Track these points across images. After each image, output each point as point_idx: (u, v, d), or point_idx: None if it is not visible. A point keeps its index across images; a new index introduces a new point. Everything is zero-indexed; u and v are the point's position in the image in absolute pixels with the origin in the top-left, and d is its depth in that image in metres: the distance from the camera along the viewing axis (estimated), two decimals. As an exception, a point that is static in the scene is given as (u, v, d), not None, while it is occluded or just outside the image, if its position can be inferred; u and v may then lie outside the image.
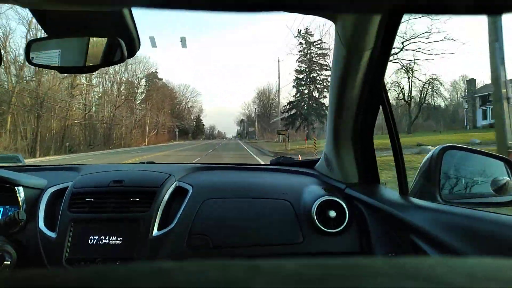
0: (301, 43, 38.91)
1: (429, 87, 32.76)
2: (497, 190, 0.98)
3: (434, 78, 32.24)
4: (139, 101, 48.29)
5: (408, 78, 31.55)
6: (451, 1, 0.24)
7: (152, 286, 0.20)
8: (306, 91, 39.45)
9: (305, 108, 38.90)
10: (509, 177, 0.98)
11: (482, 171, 1.06)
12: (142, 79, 48.28)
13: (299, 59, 39.66)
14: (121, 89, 42.69)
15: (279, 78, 58.56)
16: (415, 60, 30.66)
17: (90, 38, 0.75)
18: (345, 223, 1.15)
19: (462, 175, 1.07)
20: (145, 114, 48.14)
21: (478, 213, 0.76)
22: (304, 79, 39.47)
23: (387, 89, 1.31)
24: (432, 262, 0.24)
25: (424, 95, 33.01)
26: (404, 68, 30.13)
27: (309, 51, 38.98)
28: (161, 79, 57.54)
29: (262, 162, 5.12)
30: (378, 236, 1.07)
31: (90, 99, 36.85)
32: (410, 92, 32.45)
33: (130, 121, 42.68)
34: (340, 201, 1.17)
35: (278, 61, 45.55)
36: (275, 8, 0.23)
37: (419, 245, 0.83)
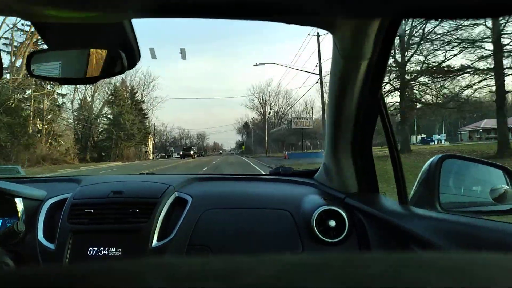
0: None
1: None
2: (496, 199, 0.98)
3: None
4: None
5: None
6: (447, 5, 0.24)
7: (157, 277, 0.21)
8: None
9: None
10: (508, 185, 0.98)
11: (481, 179, 1.06)
12: None
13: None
14: None
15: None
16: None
17: (91, 49, 0.75)
18: (345, 233, 1.15)
19: (461, 184, 1.07)
20: None
21: (478, 221, 0.76)
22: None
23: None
24: (417, 257, 0.25)
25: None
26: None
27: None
28: None
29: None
30: (378, 245, 1.06)
31: None
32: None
33: None
34: (340, 211, 1.17)
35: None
36: (273, 18, 0.24)
37: None
